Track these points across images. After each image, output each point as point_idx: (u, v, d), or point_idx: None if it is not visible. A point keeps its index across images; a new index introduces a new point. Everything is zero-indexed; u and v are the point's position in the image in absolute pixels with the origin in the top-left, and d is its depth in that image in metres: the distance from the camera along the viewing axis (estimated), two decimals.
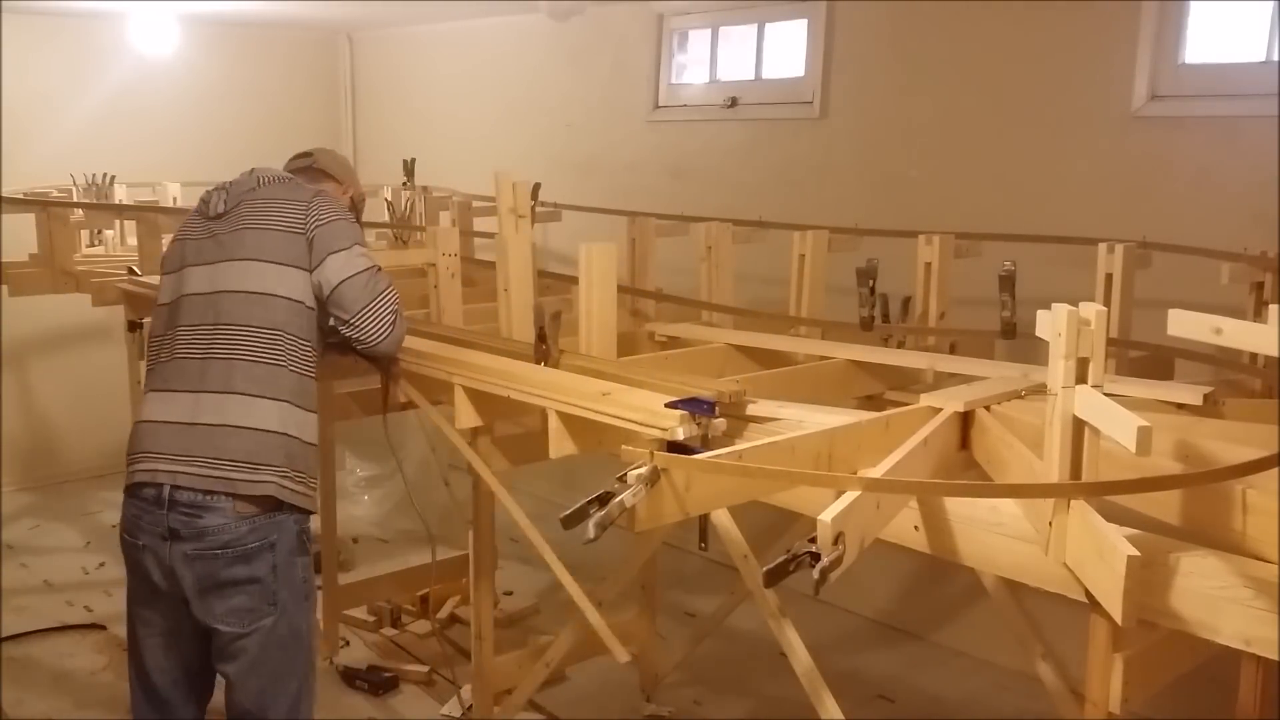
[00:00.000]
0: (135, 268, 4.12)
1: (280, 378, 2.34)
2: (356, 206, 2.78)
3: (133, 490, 2.35)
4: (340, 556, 4.29)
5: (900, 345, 3.01)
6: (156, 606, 2.40)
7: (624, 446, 1.74)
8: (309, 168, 2.70)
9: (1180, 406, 2.25)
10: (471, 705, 3.33)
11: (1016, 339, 2.76)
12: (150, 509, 2.31)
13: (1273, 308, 1.47)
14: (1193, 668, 1.75)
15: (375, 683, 3.80)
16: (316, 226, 2.41)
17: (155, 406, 2.38)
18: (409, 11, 5.87)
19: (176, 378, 2.37)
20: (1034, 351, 1.90)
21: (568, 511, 1.64)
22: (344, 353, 2.58)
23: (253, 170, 2.54)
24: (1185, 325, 1.53)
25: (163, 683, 2.45)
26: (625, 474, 1.66)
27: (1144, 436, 1.40)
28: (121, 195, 5.23)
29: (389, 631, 4.22)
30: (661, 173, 5.03)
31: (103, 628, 4.23)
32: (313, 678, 2.51)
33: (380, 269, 2.49)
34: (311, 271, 2.40)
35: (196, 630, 2.38)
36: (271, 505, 2.31)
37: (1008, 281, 2.74)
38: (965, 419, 2.10)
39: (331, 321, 2.46)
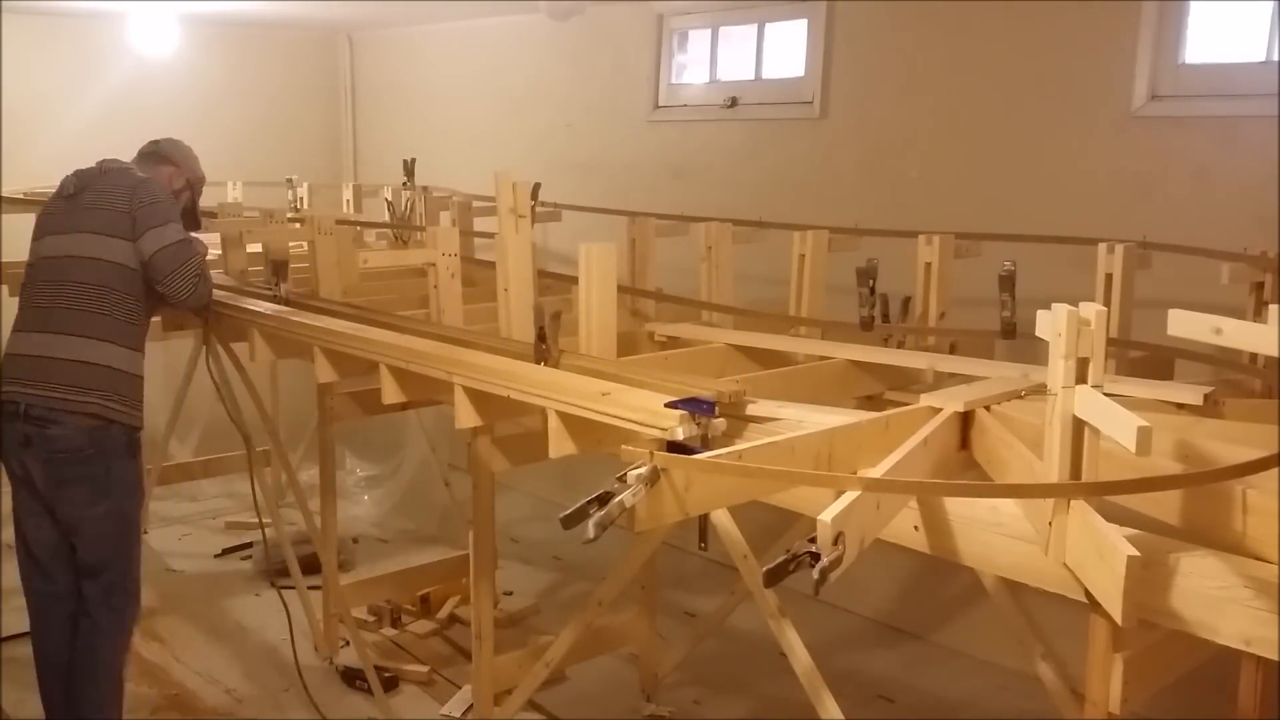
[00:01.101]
0: None
1: (108, 323, 3.05)
2: (193, 186, 3.50)
3: (1, 408, 3.06)
4: (340, 556, 4.29)
5: (900, 345, 3.01)
6: (26, 495, 3.10)
7: (624, 446, 1.74)
8: (154, 153, 3.42)
9: (1180, 406, 2.25)
10: (472, 705, 3.33)
11: (1016, 339, 2.76)
12: (12, 422, 3.02)
13: (1273, 308, 1.47)
14: (1193, 668, 1.75)
15: None
16: (139, 207, 3.12)
17: (18, 344, 3.10)
18: (409, 11, 5.87)
19: (34, 321, 3.10)
20: (1034, 351, 1.90)
21: (568, 511, 1.64)
22: (175, 307, 3.32)
23: (101, 161, 3.26)
24: (1185, 325, 1.53)
25: (42, 553, 3.14)
26: (625, 474, 1.66)
27: (1144, 436, 1.40)
28: None
29: (389, 631, 4.22)
30: (661, 173, 5.03)
31: None
32: (136, 557, 3.22)
33: (190, 241, 3.19)
34: (135, 242, 3.10)
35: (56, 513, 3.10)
36: (103, 420, 3.00)
37: (1008, 281, 2.74)
38: (965, 419, 2.10)
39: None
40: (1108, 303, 2.75)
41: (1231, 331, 1.50)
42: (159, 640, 4.17)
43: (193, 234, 3.31)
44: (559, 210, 4.77)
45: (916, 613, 4.28)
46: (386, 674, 3.84)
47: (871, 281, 2.93)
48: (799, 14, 4.60)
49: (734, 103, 4.82)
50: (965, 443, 2.11)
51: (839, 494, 1.55)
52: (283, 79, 6.57)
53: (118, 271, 3.08)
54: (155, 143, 3.45)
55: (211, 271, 3.42)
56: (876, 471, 1.76)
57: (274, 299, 3.48)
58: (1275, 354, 1.47)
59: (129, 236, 3.10)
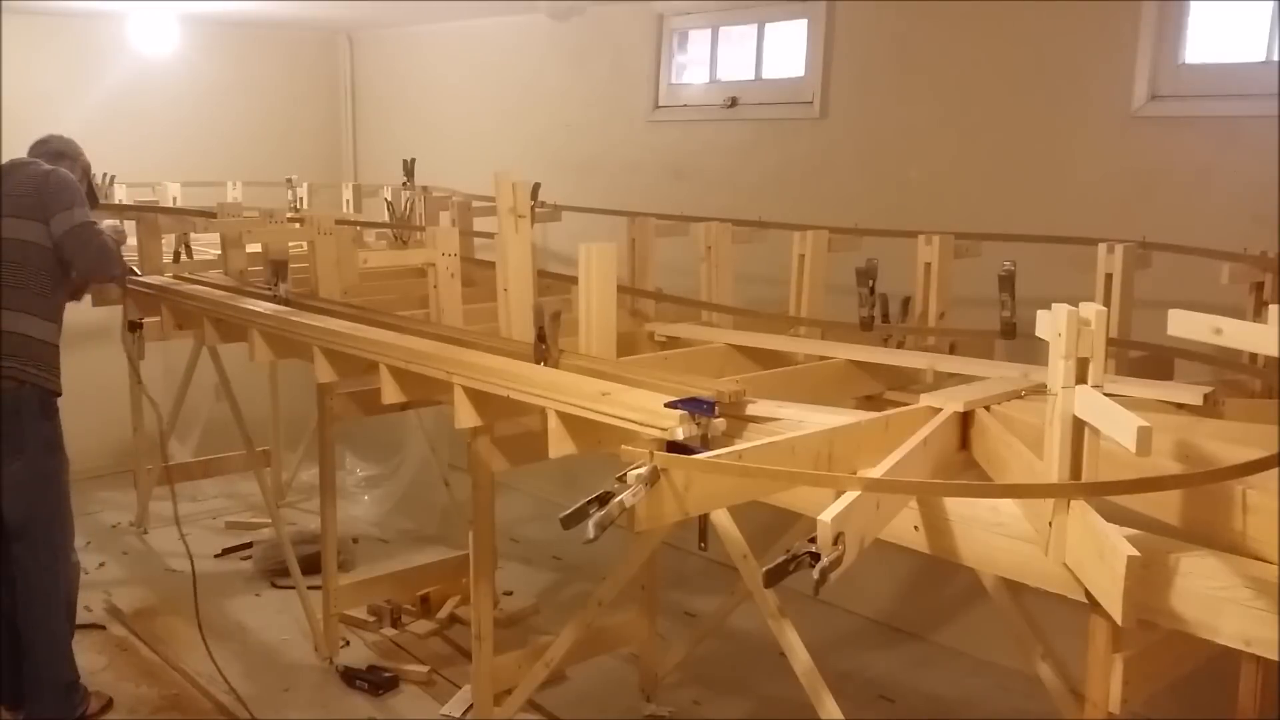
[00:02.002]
0: (135, 268, 4.13)
1: (25, 295, 3.37)
2: (86, 173, 3.80)
3: None
4: (340, 556, 4.29)
5: (900, 345, 3.01)
6: None
7: (624, 446, 1.74)
8: (51, 150, 3.71)
9: (1180, 406, 2.25)
10: (471, 705, 3.33)
11: (1016, 339, 2.76)
12: None
13: (1273, 308, 1.47)
14: (1193, 668, 1.75)
15: (375, 683, 3.80)
16: (49, 193, 3.45)
17: None
18: (409, 11, 5.87)
19: None
20: (1034, 351, 1.90)
21: (568, 511, 1.64)
22: (84, 279, 3.69)
23: (10, 159, 3.59)
24: (1185, 325, 1.53)
25: None
26: (625, 474, 1.66)
27: (1144, 436, 1.40)
28: (121, 195, 5.23)
29: (389, 631, 4.22)
30: (661, 173, 5.03)
31: (102, 628, 4.24)
32: (62, 515, 3.47)
33: (95, 222, 3.53)
34: (46, 223, 3.41)
35: None
36: (16, 381, 3.30)
37: (1007, 281, 2.74)
38: (965, 419, 2.10)
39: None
40: (1108, 303, 2.75)
41: (1231, 331, 1.50)
42: (159, 640, 4.17)
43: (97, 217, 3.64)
44: (559, 210, 4.77)
45: (916, 613, 4.28)
46: (386, 674, 3.84)
47: (871, 281, 2.93)
48: (799, 14, 4.60)
49: (734, 103, 4.82)
50: (965, 443, 2.11)
51: (839, 494, 1.55)
52: (283, 79, 6.57)
53: (33, 250, 3.40)
54: (46, 140, 3.76)
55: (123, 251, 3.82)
56: (876, 471, 1.76)
57: (274, 299, 3.49)
58: (1275, 354, 1.47)
59: (41, 219, 3.42)
